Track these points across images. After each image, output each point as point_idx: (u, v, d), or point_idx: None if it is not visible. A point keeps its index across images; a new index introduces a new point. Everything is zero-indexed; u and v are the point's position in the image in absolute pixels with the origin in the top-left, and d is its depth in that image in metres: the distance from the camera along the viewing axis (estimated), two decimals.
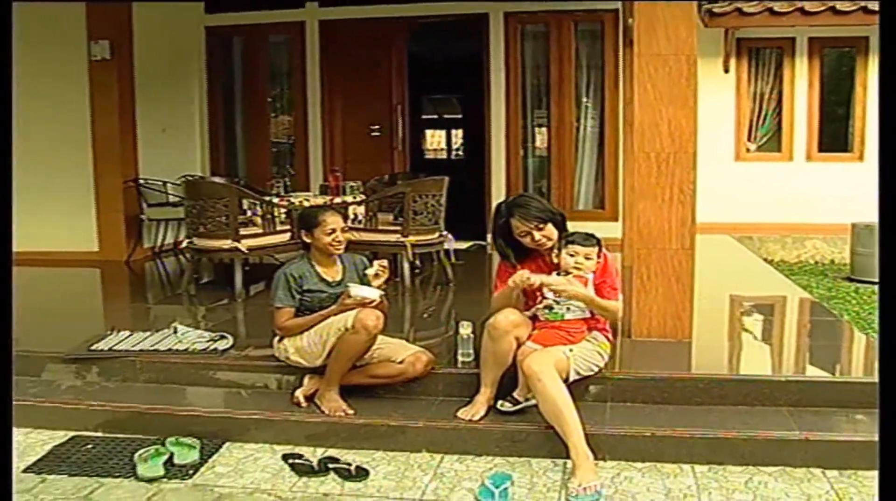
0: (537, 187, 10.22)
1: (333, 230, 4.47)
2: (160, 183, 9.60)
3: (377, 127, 10.37)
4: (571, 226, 4.40)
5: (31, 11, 8.95)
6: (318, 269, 4.50)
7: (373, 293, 4.31)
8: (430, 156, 19.98)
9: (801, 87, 10.77)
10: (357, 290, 4.29)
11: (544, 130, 10.17)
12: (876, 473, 3.50)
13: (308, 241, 4.53)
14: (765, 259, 9.01)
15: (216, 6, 10.50)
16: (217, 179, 8.57)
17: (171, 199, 9.56)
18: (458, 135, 19.75)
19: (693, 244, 4.94)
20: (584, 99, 9.96)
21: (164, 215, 9.51)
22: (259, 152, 10.89)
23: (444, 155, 20.49)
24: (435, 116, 19.45)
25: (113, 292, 8.21)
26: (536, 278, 4.09)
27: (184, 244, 7.35)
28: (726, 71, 10.97)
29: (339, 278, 4.50)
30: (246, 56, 10.88)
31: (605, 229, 5.25)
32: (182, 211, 8.96)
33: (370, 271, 4.48)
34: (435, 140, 21.58)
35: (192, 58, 10.61)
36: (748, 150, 11.03)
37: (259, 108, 10.86)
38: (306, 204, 6.82)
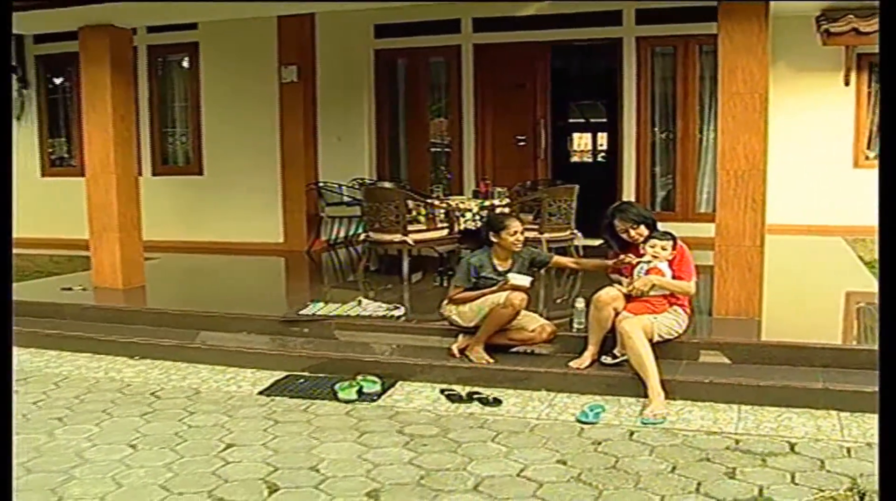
0: (663, 192, 11.44)
1: (516, 232, 5.99)
2: (336, 185, 11.36)
3: (523, 138, 11.81)
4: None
5: (233, 42, 10.91)
6: (495, 261, 6.04)
7: (525, 281, 5.84)
8: (576, 159, 21.08)
9: None
10: (515, 278, 5.82)
11: (671, 141, 11.36)
12: (870, 415, 4.77)
13: (495, 240, 6.03)
14: (863, 260, 9.95)
15: (384, 32, 12.15)
16: (387, 185, 10.23)
17: (346, 199, 11.31)
18: (603, 138, 20.84)
19: (763, 242, 6.24)
20: (707, 114, 11.10)
21: (340, 212, 11.26)
22: (419, 158, 12.48)
23: (589, 157, 21.60)
24: (582, 121, 20.55)
25: (301, 275, 10.04)
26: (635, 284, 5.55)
27: (361, 238, 9.05)
28: (847, 84, 11.82)
29: (507, 267, 6.02)
30: (409, 75, 12.46)
31: None
32: (354, 209, 10.76)
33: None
34: (582, 142, 22.82)
35: (363, 77, 12.25)
36: (867, 157, 11.87)
37: (419, 120, 12.41)
38: (462, 206, 8.42)
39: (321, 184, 11.34)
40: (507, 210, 8.96)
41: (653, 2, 10.28)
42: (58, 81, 12.89)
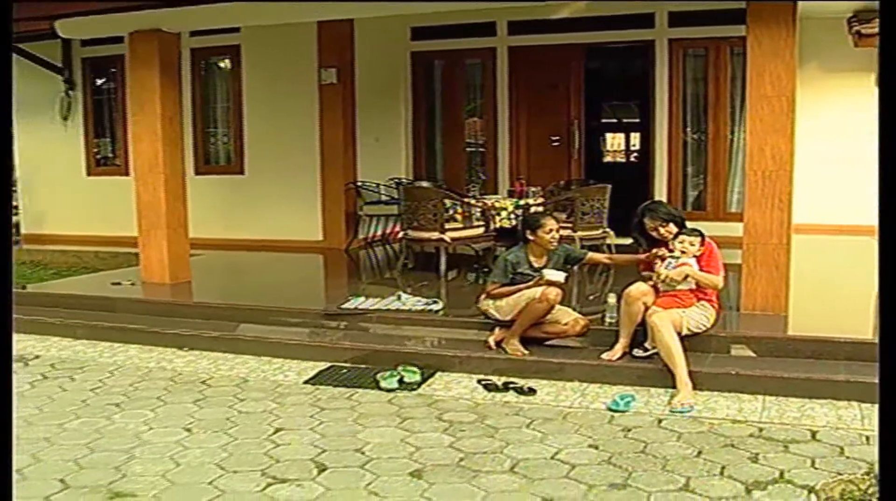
0: (694, 192, 11.62)
1: (552, 230, 6.25)
2: (374, 184, 11.66)
3: (557, 138, 12.04)
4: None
5: (274, 45, 11.23)
6: (531, 258, 6.31)
7: (560, 277, 6.10)
8: (608, 159, 21.24)
9: None
10: (550, 274, 6.08)
11: (702, 141, 11.54)
12: None
13: (531, 238, 6.30)
14: None
15: (421, 35, 12.42)
16: (425, 184, 10.50)
17: (383, 198, 11.60)
18: (635, 138, 20.99)
19: (789, 241, 6.44)
20: (738, 115, 11.27)
21: (378, 211, 11.56)
22: (454, 158, 12.73)
23: (622, 157, 21.76)
24: (614, 121, 20.74)
25: (341, 271, 10.34)
26: (662, 272, 5.79)
27: (400, 236, 9.33)
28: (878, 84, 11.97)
29: (543, 264, 6.28)
30: (445, 77, 12.72)
31: None
32: (392, 208, 11.05)
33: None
34: (615, 142, 22.99)
35: (400, 78, 12.51)
36: None
37: (455, 120, 12.67)
38: (497, 205, 8.67)
39: (359, 183, 11.63)
40: (541, 209, 9.22)
41: (685, 3, 10.46)
42: (102, 82, 13.25)
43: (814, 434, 4.76)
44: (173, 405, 5.59)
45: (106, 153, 13.30)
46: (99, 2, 8.08)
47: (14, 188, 19.19)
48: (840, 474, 4.21)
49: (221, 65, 12.50)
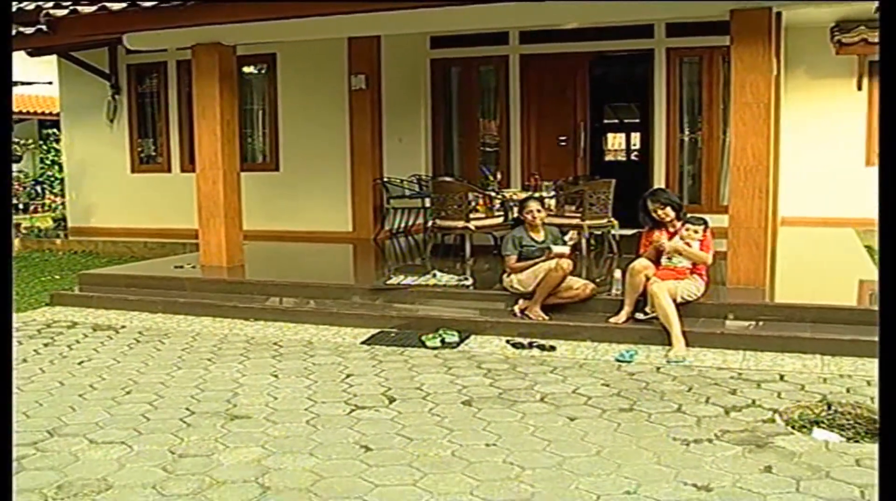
0: (690, 187, 12.76)
1: (531, 210, 7.52)
2: (398, 180, 12.80)
3: (564, 138, 13.19)
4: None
5: (308, 54, 12.34)
6: (530, 233, 7.53)
7: (565, 249, 7.30)
8: (609, 157, 22.34)
9: None
10: (556, 248, 7.29)
11: (697, 141, 12.68)
12: (847, 358, 6.17)
13: (523, 217, 7.55)
14: (866, 246, 11.19)
15: (439, 43, 13.53)
16: (448, 179, 11.65)
17: (406, 193, 12.73)
18: (635, 137, 22.07)
19: (767, 225, 7.60)
20: (729, 117, 12.36)
21: (402, 204, 12.70)
22: (470, 157, 13.83)
23: (623, 156, 22.87)
24: (616, 121, 21.82)
25: (375, 257, 11.51)
26: (665, 243, 6.97)
27: (429, 225, 10.50)
28: (859, 89, 13.11)
29: (541, 238, 7.52)
30: (461, 82, 13.81)
31: None
32: (414, 202, 12.21)
33: (567, 238, 7.48)
34: (616, 142, 24.12)
35: (420, 83, 13.60)
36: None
37: (471, 122, 13.75)
38: (515, 198, 9.85)
39: (385, 179, 12.78)
40: (553, 201, 10.39)
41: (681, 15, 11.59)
42: (145, 86, 14.38)
43: (782, 377, 5.94)
44: (256, 359, 6.77)
45: (149, 152, 14.42)
46: (166, 18, 9.16)
47: (53, 187, 20.45)
48: (799, 402, 5.38)
49: (260, 71, 13.62)
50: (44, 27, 9.12)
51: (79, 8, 8.84)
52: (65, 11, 8.91)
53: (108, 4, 8.63)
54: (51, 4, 9.04)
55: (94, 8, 8.72)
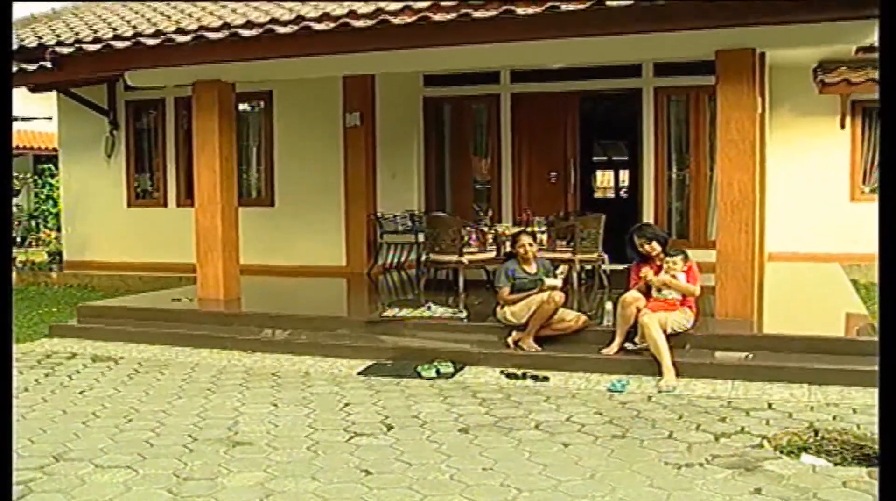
0: (678, 223, 12.98)
1: (522, 244, 7.72)
2: (392, 215, 12.98)
3: (555, 174, 13.41)
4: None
5: (303, 91, 12.56)
6: (523, 266, 7.72)
7: (557, 282, 7.49)
8: (598, 195, 22.51)
9: None
10: (548, 281, 7.46)
11: (684, 178, 12.92)
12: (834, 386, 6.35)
13: (514, 251, 7.73)
14: (853, 280, 11.42)
15: (432, 82, 13.78)
16: (442, 214, 11.84)
17: (399, 228, 12.91)
18: (624, 174, 22.27)
19: (754, 259, 7.81)
20: (716, 154, 12.61)
21: (395, 239, 12.86)
22: (462, 192, 14.04)
23: (611, 194, 23.06)
24: (605, 158, 22.01)
25: (368, 291, 11.65)
26: (653, 278, 7.16)
27: (423, 259, 10.67)
28: (843, 127, 13.38)
29: (534, 271, 7.71)
30: (453, 119, 14.04)
31: None
32: (407, 237, 12.37)
33: (558, 272, 7.66)
34: (605, 179, 24.32)
35: (414, 120, 13.83)
36: (862, 192, 13.37)
37: (463, 159, 13.97)
38: (507, 233, 10.03)
39: (379, 214, 12.96)
40: (545, 236, 10.57)
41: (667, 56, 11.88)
42: (143, 122, 14.57)
43: (770, 405, 6.10)
44: (255, 389, 6.90)
45: (145, 187, 14.58)
46: (169, 56, 9.38)
47: (48, 221, 20.57)
48: (787, 429, 5.54)
49: (256, 108, 13.84)
50: (48, 64, 9.33)
51: (84, 46, 9.05)
52: (70, 49, 9.12)
53: (112, 43, 8.84)
54: (54, 42, 9.27)
55: (98, 46, 8.93)
